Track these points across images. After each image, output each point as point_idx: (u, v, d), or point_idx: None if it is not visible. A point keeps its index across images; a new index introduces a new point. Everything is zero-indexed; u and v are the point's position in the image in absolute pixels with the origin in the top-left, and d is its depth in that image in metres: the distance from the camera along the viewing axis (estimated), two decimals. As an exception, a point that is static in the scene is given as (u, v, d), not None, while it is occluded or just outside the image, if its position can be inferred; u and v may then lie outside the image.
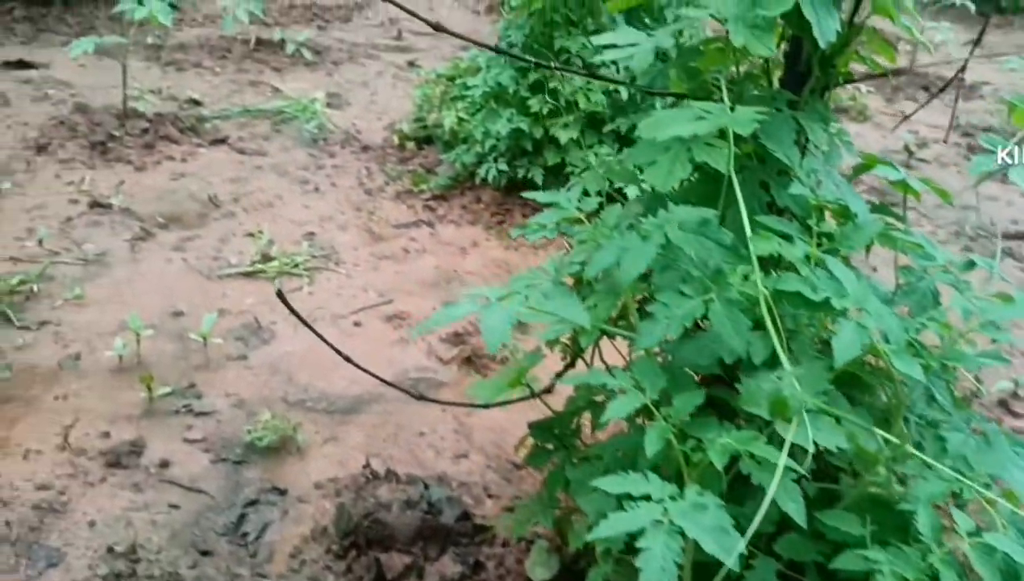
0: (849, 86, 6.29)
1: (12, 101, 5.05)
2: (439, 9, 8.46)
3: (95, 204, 3.87)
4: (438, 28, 1.77)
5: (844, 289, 1.38)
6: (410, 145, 4.84)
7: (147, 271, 3.46)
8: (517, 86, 4.04)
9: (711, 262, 1.38)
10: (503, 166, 4.08)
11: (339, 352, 1.93)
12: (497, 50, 2.27)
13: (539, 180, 4.05)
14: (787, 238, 1.46)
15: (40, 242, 3.52)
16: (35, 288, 3.22)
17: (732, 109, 1.33)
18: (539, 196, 1.79)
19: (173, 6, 7.14)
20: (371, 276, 3.57)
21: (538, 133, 4.02)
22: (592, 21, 3.91)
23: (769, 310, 1.29)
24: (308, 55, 6.30)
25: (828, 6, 1.52)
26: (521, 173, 4.09)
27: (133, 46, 5.46)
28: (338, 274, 3.56)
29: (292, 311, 1.79)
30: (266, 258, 3.58)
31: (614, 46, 1.61)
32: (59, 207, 3.87)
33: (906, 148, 5.27)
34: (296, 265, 3.56)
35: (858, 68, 1.83)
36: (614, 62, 1.72)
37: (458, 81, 4.78)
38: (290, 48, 6.30)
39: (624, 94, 3.96)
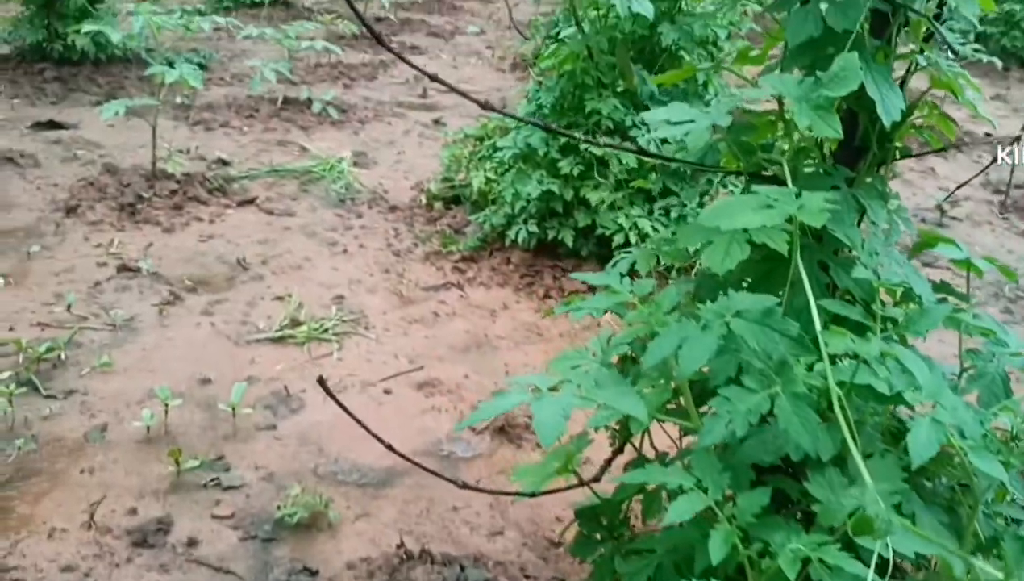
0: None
1: (42, 162, 5.07)
2: (463, 67, 8.53)
3: (124, 267, 3.84)
4: (486, 106, 1.73)
5: (917, 381, 1.31)
6: (438, 205, 4.81)
7: (175, 336, 3.41)
8: (547, 148, 4.01)
9: (775, 354, 1.31)
10: (533, 228, 4.04)
11: (374, 434, 1.87)
12: (542, 126, 2.22)
13: (570, 242, 4.00)
14: (858, 329, 1.39)
15: (68, 308, 3.49)
16: (63, 355, 3.18)
17: (798, 195, 1.27)
18: (590, 278, 1.73)
19: (202, 66, 7.23)
20: (401, 341, 3.51)
21: (568, 195, 3.98)
22: (623, 83, 3.87)
23: (841, 407, 1.22)
24: (334, 113, 6.32)
25: (891, 84, 1.47)
26: (551, 234, 4.05)
27: (162, 106, 5.50)
28: (367, 339, 3.51)
29: (333, 398, 1.72)
30: (295, 323, 3.53)
31: (667, 122, 1.56)
32: (88, 271, 3.85)
33: (938, 207, 5.19)
34: (325, 330, 3.50)
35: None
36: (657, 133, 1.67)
37: (486, 142, 4.76)
38: (316, 107, 6.32)
39: (654, 149, 3.91)
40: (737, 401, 1.28)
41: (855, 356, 1.27)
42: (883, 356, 1.28)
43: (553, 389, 1.41)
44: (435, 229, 4.58)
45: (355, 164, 5.44)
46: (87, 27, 4.63)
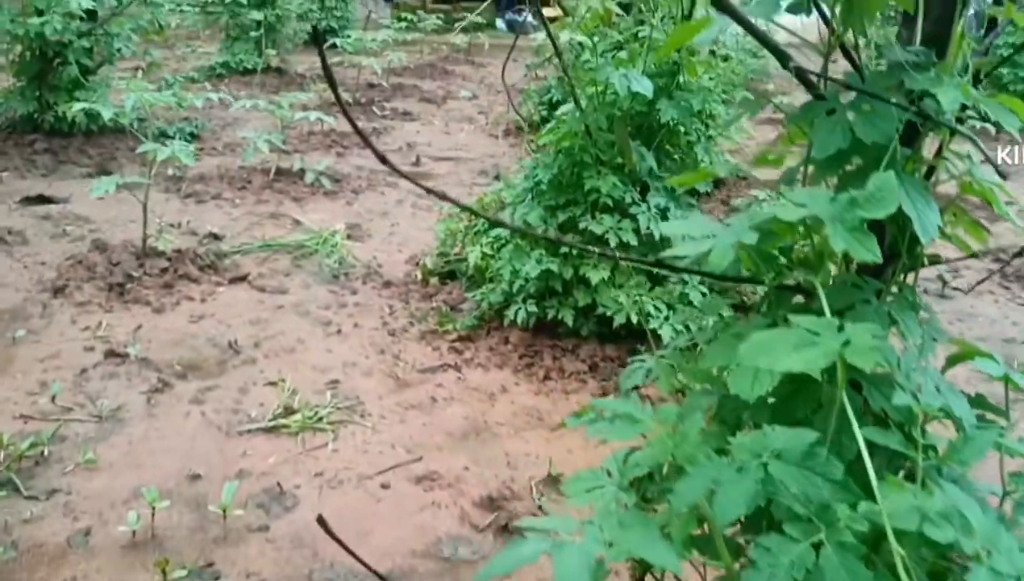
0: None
1: (30, 239, 4.98)
2: (456, 133, 8.51)
3: (111, 353, 3.73)
4: (527, 233, 1.64)
5: (971, 525, 1.20)
6: (433, 281, 4.72)
7: (163, 427, 3.29)
8: (546, 225, 3.94)
9: (818, 498, 1.21)
10: (532, 307, 3.95)
11: (357, 557, 1.75)
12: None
13: (570, 321, 3.91)
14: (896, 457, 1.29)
15: (53, 398, 3.37)
16: (46, 451, 3.05)
17: (840, 327, 1.18)
18: (608, 405, 1.62)
19: (193, 136, 7.19)
20: (398, 429, 3.39)
21: (568, 274, 3.89)
22: (623, 161, 3.81)
23: (905, 568, 1.12)
24: (327, 184, 6.27)
25: (927, 199, 1.39)
26: (551, 314, 3.95)
27: (153, 179, 5.43)
28: (363, 427, 3.39)
29: (335, 539, 1.61)
30: (288, 411, 3.42)
31: (688, 237, 1.47)
32: (74, 356, 3.73)
33: (940, 278, 5.13)
34: (320, 419, 3.39)
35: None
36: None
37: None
38: (309, 177, 6.27)
39: (657, 235, 3.84)
40: (778, 552, 1.18)
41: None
42: (947, 516, 1.17)
43: (575, 534, 1.30)
44: (431, 306, 4.48)
45: (349, 237, 5.36)
46: (79, 104, 4.55)
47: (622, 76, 3.53)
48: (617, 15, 3.66)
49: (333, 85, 1.39)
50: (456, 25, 13.24)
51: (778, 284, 1.60)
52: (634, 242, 3.83)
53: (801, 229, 1.61)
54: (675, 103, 3.90)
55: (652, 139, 4.03)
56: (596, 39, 3.71)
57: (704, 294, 4.00)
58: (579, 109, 3.75)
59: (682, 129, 4.08)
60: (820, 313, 1.29)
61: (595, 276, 3.84)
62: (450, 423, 3.46)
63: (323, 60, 1.33)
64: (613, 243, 3.81)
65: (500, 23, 17.13)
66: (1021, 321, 4.78)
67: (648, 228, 3.85)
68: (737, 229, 1.47)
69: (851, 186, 1.43)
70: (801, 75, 1.45)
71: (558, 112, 4.04)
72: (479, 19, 14.41)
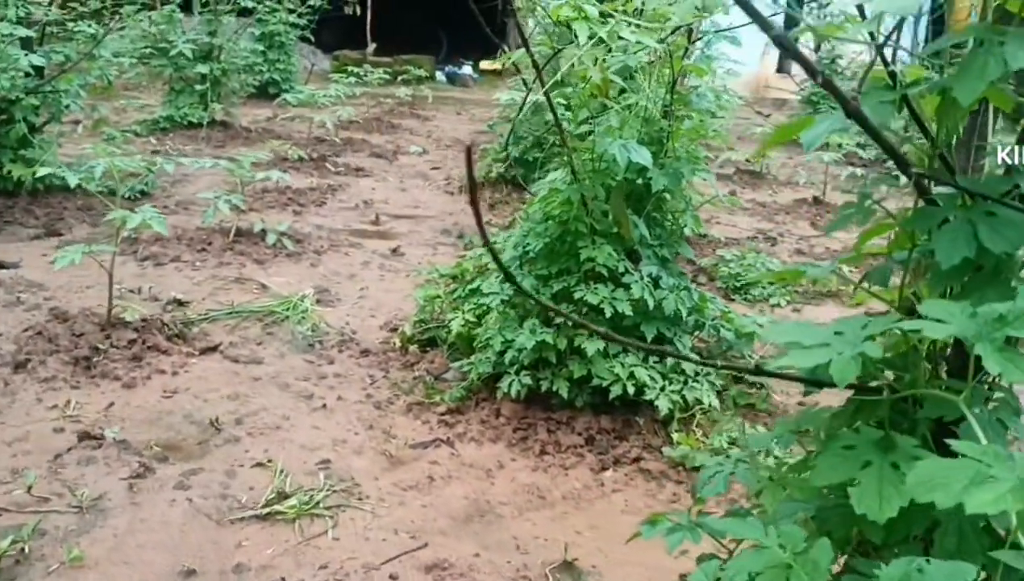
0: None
1: (-18, 308, 4.73)
2: (412, 190, 8.43)
3: (86, 435, 3.52)
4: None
5: None
6: (413, 348, 4.60)
7: (150, 517, 3.10)
8: (539, 294, 3.86)
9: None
10: (527, 379, 3.85)
11: None
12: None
13: (565, 393, 3.82)
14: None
15: (29, 489, 3.14)
16: (26, 548, 2.84)
17: (1010, 456, 1.12)
18: (732, 528, 1.52)
19: (144, 193, 6.96)
20: (399, 512, 3.25)
21: (562, 344, 3.82)
22: (620, 231, 3.77)
23: None
24: (289, 245, 6.11)
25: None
26: (544, 385, 3.86)
27: (107, 239, 5.22)
28: (363, 511, 3.24)
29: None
30: (282, 495, 3.25)
31: (798, 346, 1.41)
32: (45, 439, 3.51)
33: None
34: (316, 503, 3.23)
35: None
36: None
37: (462, 281, 4.60)
38: (271, 238, 6.10)
39: (651, 303, 3.80)
40: None
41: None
42: None
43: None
44: (413, 375, 4.36)
45: (318, 301, 5.22)
46: (42, 170, 4.34)
47: (621, 146, 3.50)
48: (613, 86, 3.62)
49: (472, 185, 1.29)
50: (399, 78, 13.22)
51: (864, 386, 1.55)
52: (629, 312, 3.77)
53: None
54: (666, 172, 3.87)
55: (641, 207, 4.00)
56: (593, 111, 3.67)
57: (697, 364, 3.97)
58: (575, 179, 3.70)
59: (668, 196, 4.06)
60: (969, 435, 1.23)
61: (591, 347, 3.77)
62: (451, 504, 3.33)
63: (469, 168, 1.24)
64: (608, 313, 3.75)
65: (440, 75, 17.18)
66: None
67: (642, 297, 3.80)
68: (851, 338, 1.42)
69: (973, 294, 1.39)
70: (918, 183, 1.41)
71: (548, 179, 3.98)
72: (422, 72, 14.46)
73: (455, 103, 14.82)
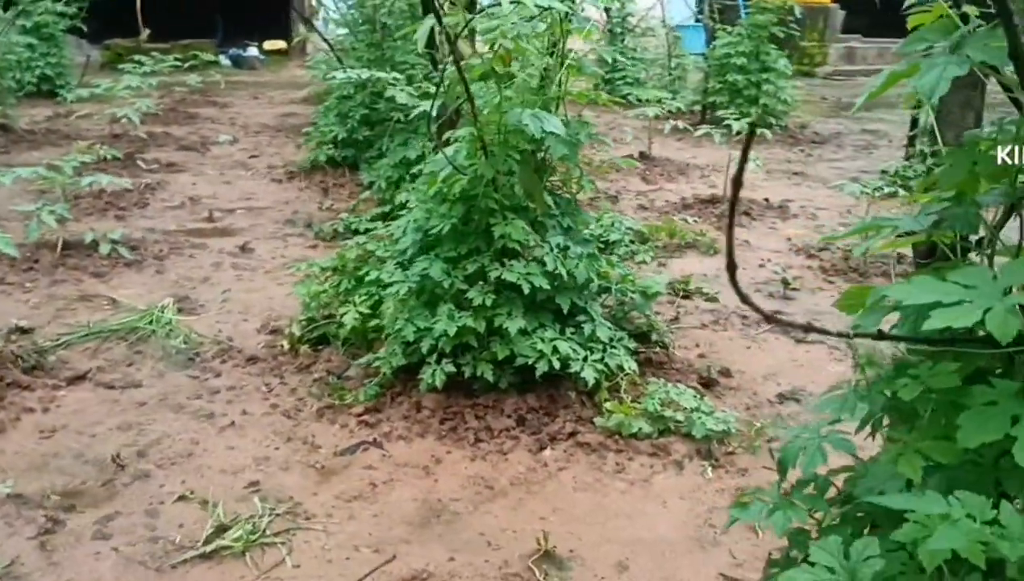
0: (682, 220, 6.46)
1: None
2: (237, 181, 7.97)
3: (-30, 495, 3.07)
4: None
5: None
6: (304, 349, 4.32)
7: (76, 577, 2.73)
8: (451, 278, 3.70)
9: None
10: (449, 367, 3.68)
11: None
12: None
13: (490, 376, 3.69)
14: None
15: (-73, 567, 2.70)
16: (-54, 638, 2.44)
17: None
18: (903, 501, 1.43)
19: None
20: (352, 527, 3.03)
21: (481, 327, 3.68)
22: (533, 205, 3.66)
23: None
24: (126, 253, 5.60)
25: None
26: (468, 371, 3.71)
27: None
28: (314, 531, 2.99)
29: None
30: (221, 529, 2.95)
31: (939, 305, 1.35)
32: (-80, 507, 3.03)
33: (783, 281, 5.40)
34: (261, 531, 2.95)
35: None
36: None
37: (350, 273, 4.36)
38: (105, 249, 5.57)
39: (564, 274, 3.72)
40: None
41: None
42: None
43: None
44: (312, 377, 4.09)
45: (180, 311, 4.80)
46: None
47: (533, 116, 3.38)
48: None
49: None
50: (186, 65, 12.41)
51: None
52: (546, 285, 3.68)
53: None
54: (563, 139, 3.78)
55: (541, 177, 3.90)
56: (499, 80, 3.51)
57: (610, 330, 3.94)
58: (486, 155, 3.54)
59: (569, 163, 3.98)
60: None
61: (512, 326, 3.65)
62: (402, 509, 3.15)
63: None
64: (527, 289, 3.64)
65: (224, 59, 16.30)
66: (861, 313, 5.11)
67: (556, 269, 3.71)
68: (987, 292, 1.38)
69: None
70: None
71: (439, 157, 3.79)
72: (209, 57, 13.68)
73: (248, 87, 14.14)
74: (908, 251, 5.91)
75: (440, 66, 3.76)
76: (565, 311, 3.81)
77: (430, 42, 6.40)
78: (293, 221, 6.70)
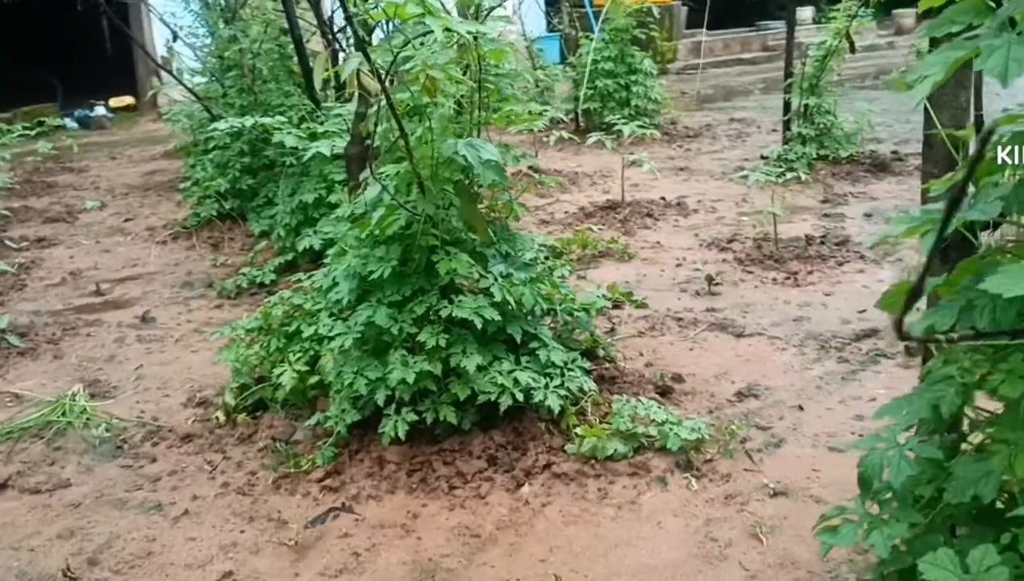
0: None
1: None
2: (117, 249, 7.52)
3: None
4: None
5: None
6: (242, 417, 4.06)
7: None
8: (398, 323, 3.53)
9: None
10: (411, 415, 3.51)
11: None
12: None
13: (453, 418, 3.54)
14: None
15: None
16: None
17: None
18: None
19: None
20: (347, 604, 2.83)
21: (438, 369, 3.52)
22: (476, 239, 3.52)
23: None
24: (16, 342, 5.19)
25: None
26: (430, 417, 3.54)
27: None
28: (308, 617, 2.78)
29: None
30: (205, 631, 2.71)
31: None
32: None
33: (708, 278, 5.41)
34: (251, 626, 2.72)
35: None
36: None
37: (279, 331, 4.13)
38: (-8, 339, 5.14)
39: (512, 303, 3.60)
40: None
41: None
42: None
43: None
44: (256, 447, 3.84)
45: (92, 396, 4.45)
46: None
47: (468, 146, 3.26)
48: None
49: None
50: (33, 132, 11.73)
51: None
52: (497, 317, 3.55)
53: None
54: (489, 165, 3.66)
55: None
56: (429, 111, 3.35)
57: (563, 352, 3.84)
58: (422, 192, 3.39)
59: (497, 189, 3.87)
60: None
61: (470, 364, 3.50)
62: (394, 575, 2.96)
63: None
64: (479, 324, 3.51)
65: (69, 122, 15.49)
66: (790, 298, 5.17)
67: (504, 298, 3.59)
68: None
69: None
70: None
71: (367, 197, 3.61)
72: (57, 121, 13.02)
73: (102, 148, 13.44)
74: (816, 233, 6.05)
75: (370, 104, 3.57)
76: (518, 340, 3.69)
77: (327, 82, 6.22)
78: (190, 282, 6.35)
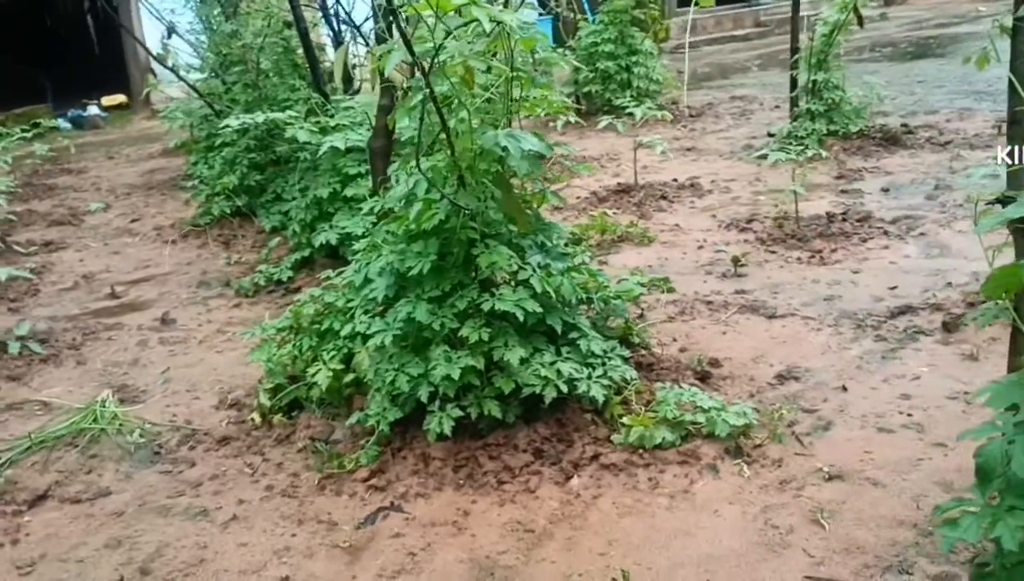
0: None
1: None
2: (128, 250, 7.48)
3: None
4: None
5: None
6: (278, 418, 4.01)
7: None
8: (440, 318, 3.48)
9: None
10: (455, 411, 3.47)
11: None
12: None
13: (499, 413, 3.50)
14: None
15: None
16: None
17: None
18: None
19: None
20: (409, 605, 2.80)
21: (481, 363, 3.48)
22: (512, 230, 3.48)
23: None
24: (38, 349, 5.13)
25: None
26: (474, 412, 3.51)
27: None
28: (372, 621, 2.74)
29: None
30: (269, 639, 2.67)
31: None
32: None
33: (734, 260, 5.37)
34: (315, 632, 2.69)
35: None
36: None
37: (309, 330, 4.08)
38: (14, 347, 5.09)
39: (552, 294, 3.55)
40: None
41: None
42: None
43: None
44: (296, 448, 3.80)
45: (121, 401, 4.40)
46: None
47: (509, 136, 3.21)
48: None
49: None
50: (30, 134, 11.61)
51: None
52: (538, 309, 3.51)
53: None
54: (525, 156, 3.61)
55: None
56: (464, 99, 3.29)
57: (602, 342, 3.80)
58: (462, 186, 3.34)
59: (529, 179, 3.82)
60: None
61: (513, 357, 3.46)
62: (453, 574, 2.93)
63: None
64: (521, 316, 3.46)
65: (63, 122, 15.36)
66: (814, 276, 5.13)
67: (544, 290, 3.55)
68: None
69: None
70: None
71: (399, 192, 3.56)
72: (51, 122, 12.93)
73: (97, 148, 13.32)
74: (836, 210, 6.00)
75: (395, 97, 3.51)
76: (559, 331, 3.65)
77: (346, 75, 6.16)
78: (206, 282, 6.29)
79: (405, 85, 3.93)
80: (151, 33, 8.77)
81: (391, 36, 4.09)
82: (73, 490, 3.66)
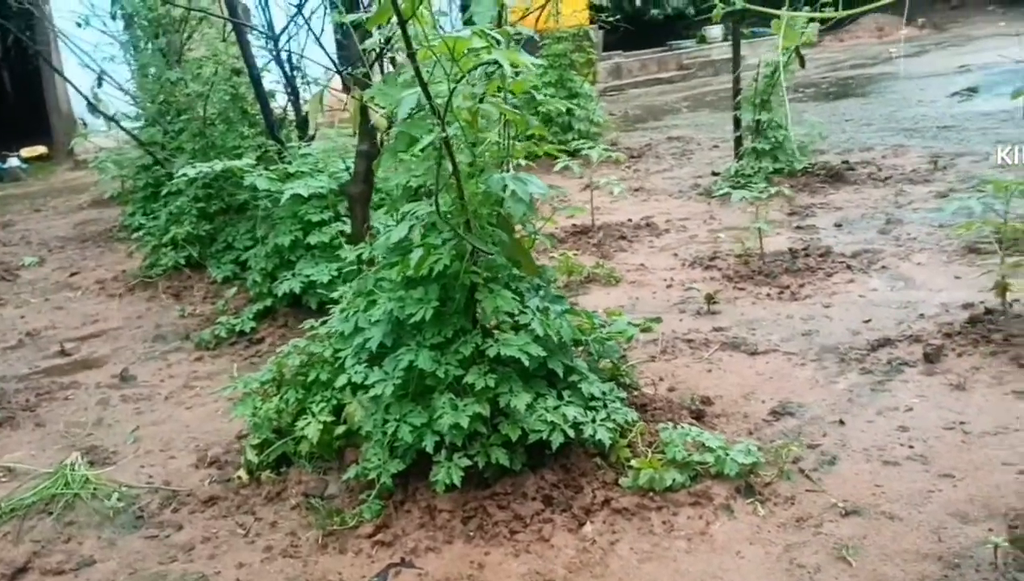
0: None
1: None
2: (70, 304, 7.18)
3: None
4: None
5: None
6: (267, 475, 3.86)
7: None
8: (443, 365, 3.40)
9: None
10: (463, 460, 3.38)
11: None
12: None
13: (506, 461, 3.42)
14: None
15: None
16: None
17: None
18: None
19: None
20: (439, 667, 2.68)
21: (487, 410, 3.40)
22: (512, 274, 3.43)
23: None
24: (-8, 411, 4.87)
25: None
26: (481, 461, 3.42)
27: None
28: None
29: None
30: None
31: None
32: None
33: (707, 298, 5.40)
34: None
35: None
36: None
37: (294, 382, 3.95)
38: (-35, 411, 4.81)
39: (553, 337, 3.51)
40: None
41: None
42: None
43: None
44: (288, 505, 3.66)
45: (92, 464, 4.19)
46: None
47: (516, 180, 3.17)
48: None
49: None
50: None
51: None
52: (542, 353, 3.45)
53: None
54: (517, 198, 3.57)
55: (502, 240, 3.67)
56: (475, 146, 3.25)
57: (601, 384, 3.76)
58: (467, 229, 3.28)
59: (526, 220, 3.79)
60: None
61: (519, 403, 3.39)
62: (480, 631, 2.82)
63: None
64: (526, 361, 3.40)
65: (-19, 175, 14.83)
66: (787, 311, 5.19)
67: (545, 333, 3.50)
68: None
69: None
70: None
71: (393, 237, 3.48)
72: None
73: (20, 200, 12.87)
74: (796, 246, 6.10)
75: (375, 142, 3.45)
76: (560, 374, 3.60)
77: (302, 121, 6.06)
78: (162, 336, 6.07)
79: (388, 131, 3.86)
80: (78, 82, 8.50)
81: (371, 81, 4.05)
82: (54, 560, 3.44)
